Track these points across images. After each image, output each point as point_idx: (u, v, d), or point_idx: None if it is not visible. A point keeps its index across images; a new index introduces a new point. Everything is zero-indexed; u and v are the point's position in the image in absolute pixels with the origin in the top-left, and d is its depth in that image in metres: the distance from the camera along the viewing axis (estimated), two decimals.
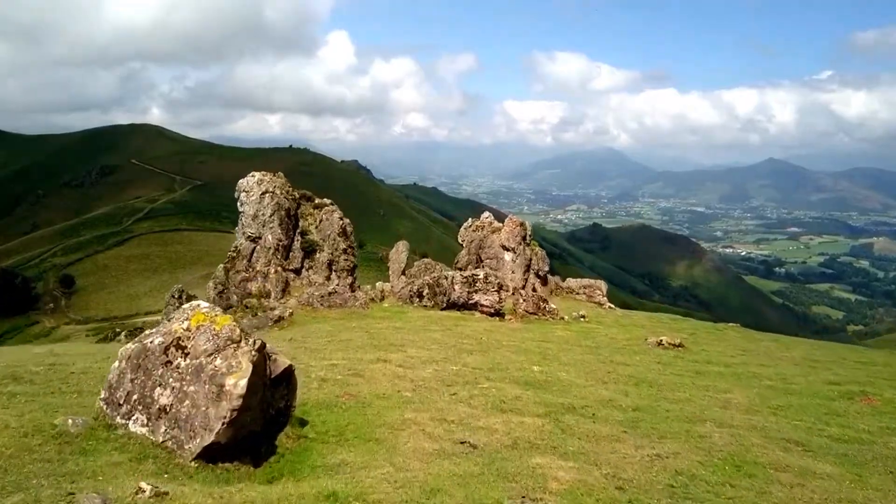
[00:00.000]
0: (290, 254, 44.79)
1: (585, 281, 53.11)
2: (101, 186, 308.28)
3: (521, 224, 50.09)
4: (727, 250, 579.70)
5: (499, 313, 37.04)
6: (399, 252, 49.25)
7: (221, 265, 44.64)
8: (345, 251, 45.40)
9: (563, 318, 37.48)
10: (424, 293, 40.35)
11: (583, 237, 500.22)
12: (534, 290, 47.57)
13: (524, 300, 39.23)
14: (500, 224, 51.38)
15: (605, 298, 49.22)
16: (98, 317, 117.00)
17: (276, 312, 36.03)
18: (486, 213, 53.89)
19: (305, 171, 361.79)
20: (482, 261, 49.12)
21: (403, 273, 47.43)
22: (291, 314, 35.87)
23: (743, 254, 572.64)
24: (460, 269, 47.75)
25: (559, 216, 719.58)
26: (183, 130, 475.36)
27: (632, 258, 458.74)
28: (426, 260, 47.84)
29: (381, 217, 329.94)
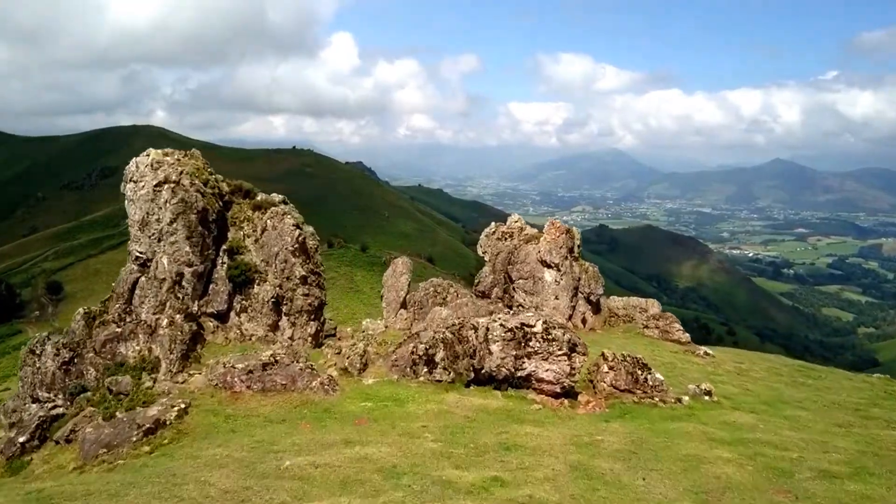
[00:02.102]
0: (210, 287, 30.69)
1: (635, 300, 41.17)
2: (101, 189, 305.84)
3: (568, 231, 37.66)
4: (734, 251, 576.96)
5: (569, 392, 24.93)
6: (398, 274, 35.71)
7: (82, 309, 31.23)
8: (303, 281, 30.97)
9: (678, 401, 24.72)
10: (437, 357, 26.50)
11: (589, 238, 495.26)
12: (583, 321, 36.83)
13: (610, 366, 25.73)
14: (536, 231, 39.42)
15: (683, 332, 37.85)
16: None
17: (153, 412, 22.63)
18: (516, 216, 41.34)
19: (308, 172, 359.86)
20: (512, 280, 36.94)
21: (404, 305, 34.42)
22: (186, 410, 23.12)
23: (750, 255, 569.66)
24: (484, 295, 37.39)
25: (564, 217, 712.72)
26: (187, 133, 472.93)
27: (639, 260, 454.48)
28: (436, 282, 36.32)
29: (386, 219, 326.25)
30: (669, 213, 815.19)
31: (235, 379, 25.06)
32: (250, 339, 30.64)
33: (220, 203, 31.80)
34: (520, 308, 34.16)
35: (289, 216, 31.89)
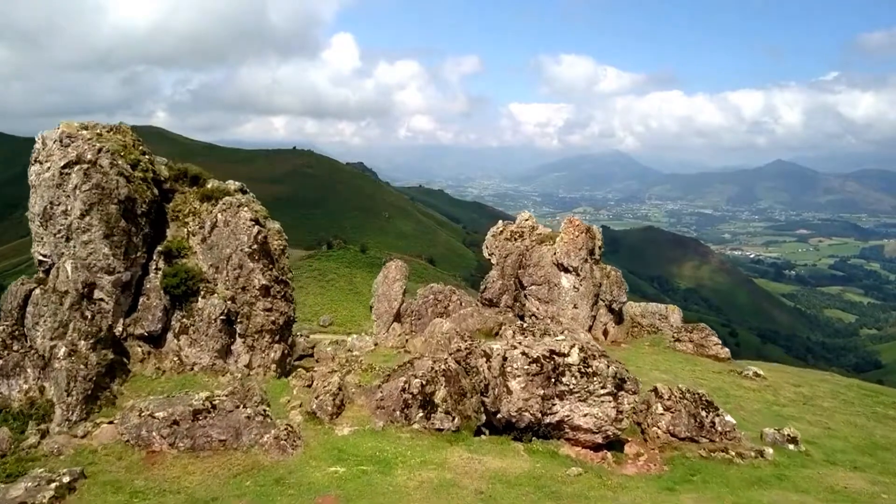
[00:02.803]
0: (140, 301, 24.68)
1: (653, 307, 36.92)
2: None
3: (588, 230, 32.61)
4: (735, 252, 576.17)
5: (612, 443, 19.19)
6: (390, 281, 29.97)
7: None
8: (264, 292, 24.74)
9: (759, 454, 19.40)
10: (437, 396, 20.29)
11: None
12: (605, 332, 32.12)
13: (666, 406, 20.04)
14: (550, 231, 34.69)
15: (722, 346, 33.35)
16: None
17: (18, 491, 15.06)
18: (526, 214, 36.85)
19: (309, 173, 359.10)
20: (524, 287, 32.18)
21: (398, 318, 29.08)
22: (72, 484, 15.97)
23: (752, 256, 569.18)
24: (491, 303, 32.83)
25: (567, 217, 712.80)
26: (188, 135, 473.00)
27: (640, 261, 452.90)
28: (436, 288, 31.86)
29: (386, 219, 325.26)
30: (671, 214, 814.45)
31: (154, 433, 18.40)
32: (192, 370, 24.47)
33: (156, 191, 25.19)
34: (533, 319, 30.36)
35: (246, 209, 25.05)
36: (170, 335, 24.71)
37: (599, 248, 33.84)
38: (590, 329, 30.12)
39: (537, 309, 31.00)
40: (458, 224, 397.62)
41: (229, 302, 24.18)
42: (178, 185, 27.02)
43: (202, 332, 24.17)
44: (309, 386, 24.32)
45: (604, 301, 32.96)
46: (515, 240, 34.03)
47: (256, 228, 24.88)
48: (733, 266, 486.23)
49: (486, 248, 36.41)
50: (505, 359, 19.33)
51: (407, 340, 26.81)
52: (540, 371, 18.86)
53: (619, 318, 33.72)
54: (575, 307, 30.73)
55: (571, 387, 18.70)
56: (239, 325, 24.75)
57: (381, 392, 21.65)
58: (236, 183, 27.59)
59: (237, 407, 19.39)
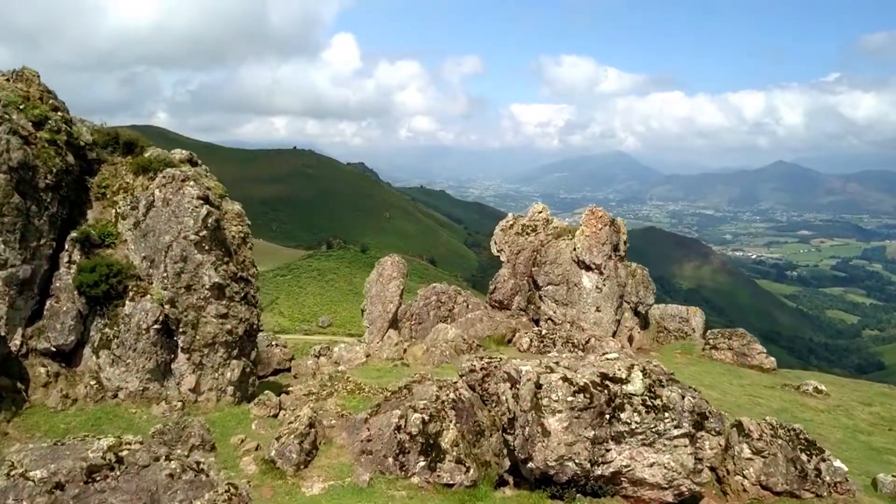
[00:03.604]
0: (47, 304, 19.37)
1: (672, 308, 33.62)
2: None
3: (612, 223, 29.28)
4: (737, 253, 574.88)
5: (684, 500, 14.50)
6: (385, 280, 25.25)
7: None
8: (217, 293, 19.48)
9: None
10: (445, 438, 15.41)
11: None
12: (630, 339, 28.67)
13: (756, 449, 15.07)
14: (567, 224, 31.88)
15: (767, 355, 29.68)
16: None
17: None
18: (539, 206, 32.75)
19: (310, 173, 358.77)
20: (539, 287, 28.54)
21: (394, 324, 24.74)
22: None
23: (753, 257, 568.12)
24: (501, 305, 28.99)
25: (567, 219, 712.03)
26: (189, 135, 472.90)
27: (642, 261, 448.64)
28: (439, 288, 28.15)
29: (387, 220, 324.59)
30: (672, 215, 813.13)
31: None
32: (115, 397, 19.15)
33: (72, 160, 19.78)
34: (549, 323, 26.80)
35: (192, 184, 19.49)
36: (86, 350, 19.28)
37: (625, 242, 29.93)
38: (613, 334, 27.21)
39: (554, 312, 27.28)
40: (459, 225, 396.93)
41: (168, 306, 18.55)
42: (107, 153, 21.14)
43: (129, 347, 18.34)
44: (275, 416, 19.57)
45: (629, 303, 29.80)
46: (528, 234, 30.23)
47: (206, 209, 18.95)
48: (735, 267, 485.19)
49: (495, 243, 31.61)
50: (539, 386, 14.02)
51: (405, 350, 23.03)
52: (589, 405, 13.58)
53: (644, 322, 30.55)
54: (597, 310, 27.22)
55: (633, 426, 13.75)
56: (182, 336, 18.95)
57: (369, 430, 16.35)
58: (184, 152, 22.71)
59: (156, 459, 13.04)
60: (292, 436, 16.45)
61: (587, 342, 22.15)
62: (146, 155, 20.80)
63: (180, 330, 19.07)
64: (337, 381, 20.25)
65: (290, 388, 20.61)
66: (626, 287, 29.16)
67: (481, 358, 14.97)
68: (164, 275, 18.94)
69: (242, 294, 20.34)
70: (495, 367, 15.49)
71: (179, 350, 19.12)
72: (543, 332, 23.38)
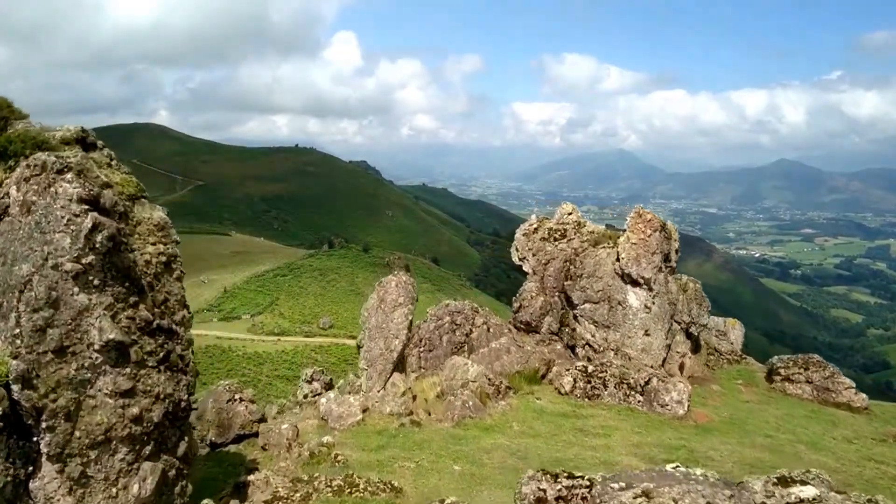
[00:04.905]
0: None
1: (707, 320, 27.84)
2: None
3: (662, 228, 24.38)
4: (740, 252, 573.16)
5: None
6: (389, 307, 18.33)
7: None
8: (118, 356, 11.31)
9: None
10: None
11: None
12: (681, 367, 24.17)
13: None
14: (605, 228, 26.62)
15: (856, 391, 23.85)
16: None
17: None
18: (568, 206, 27.84)
19: (311, 171, 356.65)
20: (573, 305, 24.00)
21: (400, 366, 18.59)
22: None
23: (757, 255, 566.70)
24: (529, 328, 24.19)
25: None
26: (190, 132, 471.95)
27: None
28: (453, 307, 23.02)
29: (390, 218, 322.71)
30: (675, 213, 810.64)
31: None
32: None
33: None
34: (587, 349, 22.71)
35: (69, 178, 11.47)
36: None
37: (676, 251, 25.48)
38: (662, 363, 23.13)
39: (593, 336, 23.16)
40: (461, 223, 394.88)
41: (18, 386, 10.64)
42: None
43: None
44: None
45: (680, 324, 25.15)
46: (556, 240, 25.96)
47: (92, 219, 11.16)
48: (738, 265, 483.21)
49: (516, 250, 26.98)
50: None
51: (414, 398, 17.62)
52: None
53: (696, 345, 26.19)
54: (646, 334, 22.97)
55: None
56: (47, 434, 10.96)
57: None
58: (73, 127, 13.69)
59: None
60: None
61: (647, 383, 18.26)
62: (10, 131, 12.91)
63: (44, 425, 10.93)
64: (320, 461, 15.54)
65: (252, 479, 14.61)
66: (676, 304, 24.81)
67: (555, 477, 8.80)
68: (17, 331, 10.94)
69: (161, 354, 12.44)
70: (583, 500, 8.60)
71: (43, 458, 11.02)
72: (590, 368, 19.54)
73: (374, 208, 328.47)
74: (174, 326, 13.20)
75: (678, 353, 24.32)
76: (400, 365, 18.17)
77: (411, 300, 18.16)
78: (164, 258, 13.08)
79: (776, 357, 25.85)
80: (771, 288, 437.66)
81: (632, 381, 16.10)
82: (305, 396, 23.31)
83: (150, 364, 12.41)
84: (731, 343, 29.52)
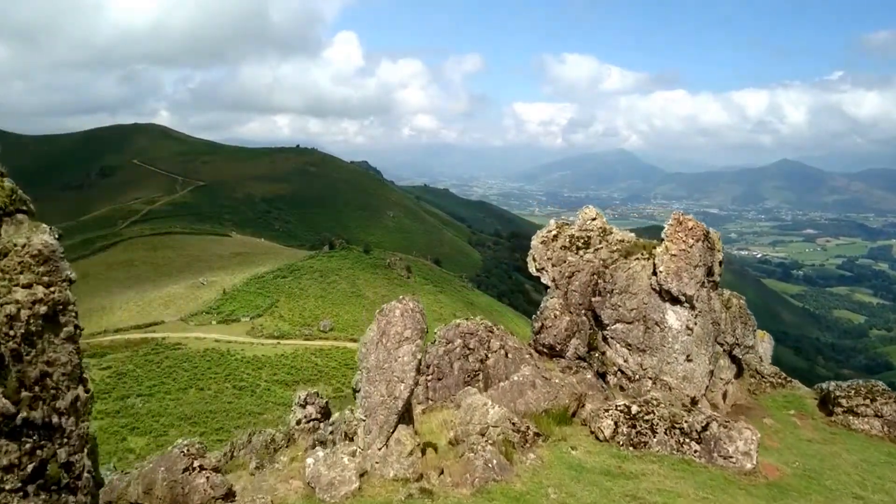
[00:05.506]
0: None
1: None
2: (100, 188, 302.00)
3: (706, 236, 21.12)
4: (742, 252, 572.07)
5: None
6: (393, 341, 13.94)
7: None
8: None
9: None
10: None
11: None
12: (723, 395, 21.19)
13: None
14: (634, 237, 23.34)
15: None
16: None
17: None
18: (592, 210, 24.47)
19: (313, 171, 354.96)
20: (603, 325, 20.69)
21: (406, 417, 14.35)
22: None
23: (759, 256, 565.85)
24: (553, 351, 20.86)
25: (571, 218, 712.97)
26: (192, 133, 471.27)
27: None
28: (465, 327, 19.66)
29: (391, 219, 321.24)
30: None
31: None
32: None
33: None
34: (620, 377, 19.50)
35: None
36: None
37: (720, 263, 22.53)
38: (704, 393, 20.19)
39: (625, 361, 20.07)
40: (463, 224, 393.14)
41: None
42: None
43: None
44: None
45: (722, 345, 22.32)
46: (579, 249, 22.61)
47: None
48: (740, 266, 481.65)
49: (534, 259, 23.57)
50: None
51: (418, 449, 14.27)
52: None
53: (739, 368, 23.11)
54: (688, 359, 19.56)
55: None
56: None
57: None
58: None
59: None
60: None
61: (704, 428, 15.06)
62: None
63: None
64: None
65: None
66: (720, 323, 21.67)
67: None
68: None
69: (30, 468, 8.11)
70: None
71: None
72: (633, 408, 16.18)
73: (375, 209, 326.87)
74: (57, 419, 8.55)
75: (722, 379, 21.29)
76: (406, 415, 14.25)
77: (420, 333, 14.09)
78: (44, 308, 8.60)
79: (832, 383, 22.91)
80: (773, 289, 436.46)
81: (685, 425, 13.01)
82: (298, 422, 21.02)
83: (7, 486, 7.85)
84: (760, 356, 26.68)
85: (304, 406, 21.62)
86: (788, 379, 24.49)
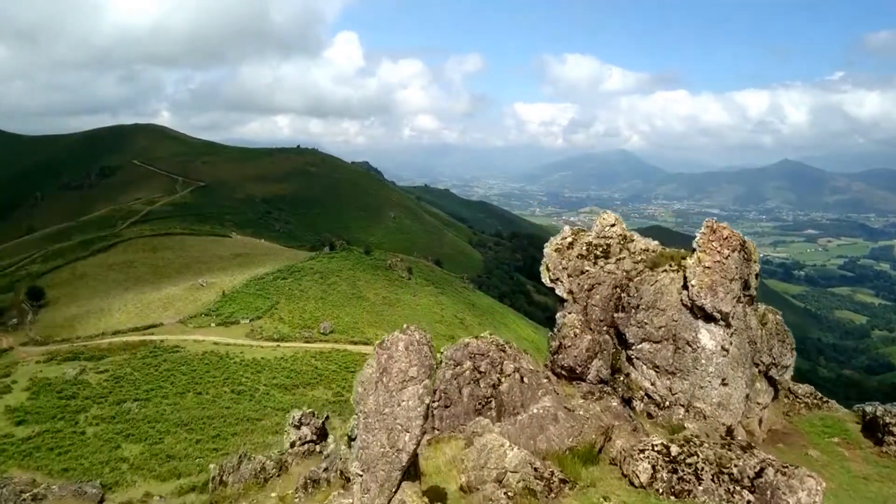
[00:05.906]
0: None
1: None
2: (100, 188, 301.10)
3: (742, 246, 19.55)
4: None
5: None
6: (395, 380, 11.32)
7: None
8: None
9: None
10: None
11: None
12: (759, 421, 18.97)
13: None
14: (660, 246, 20.91)
15: None
16: (59, 337, 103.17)
17: None
18: (611, 216, 22.03)
19: (313, 172, 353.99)
20: (627, 344, 18.56)
21: (412, 473, 12.08)
22: None
23: (760, 256, 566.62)
24: (573, 374, 18.48)
25: (572, 218, 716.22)
26: (192, 133, 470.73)
27: None
28: (474, 346, 17.16)
29: (392, 219, 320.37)
30: (677, 213, 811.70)
31: None
32: None
33: None
34: (646, 402, 17.56)
35: None
36: None
37: (756, 276, 20.41)
38: (740, 419, 17.99)
39: (653, 384, 17.92)
40: (464, 224, 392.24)
41: None
42: None
43: None
44: None
45: (759, 366, 20.12)
46: (598, 259, 20.28)
47: None
48: None
49: (547, 269, 20.97)
50: None
51: (421, 497, 12.19)
52: None
53: (775, 390, 21.33)
54: (723, 383, 17.34)
55: None
56: None
57: None
58: None
59: None
60: None
61: (758, 475, 12.81)
62: None
63: None
64: None
65: None
66: (757, 341, 19.45)
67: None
68: None
69: None
70: None
71: None
72: (673, 449, 13.73)
73: (376, 209, 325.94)
74: None
75: (759, 404, 18.94)
76: (412, 469, 11.89)
77: (428, 371, 11.49)
78: None
79: (878, 407, 20.09)
80: (774, 289, 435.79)
81: (735, 470, 10.89)
82: (292, 445, 19.61)
83: None
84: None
85: (298, 427, 20.18)
86: (825, 399, 22.48)
